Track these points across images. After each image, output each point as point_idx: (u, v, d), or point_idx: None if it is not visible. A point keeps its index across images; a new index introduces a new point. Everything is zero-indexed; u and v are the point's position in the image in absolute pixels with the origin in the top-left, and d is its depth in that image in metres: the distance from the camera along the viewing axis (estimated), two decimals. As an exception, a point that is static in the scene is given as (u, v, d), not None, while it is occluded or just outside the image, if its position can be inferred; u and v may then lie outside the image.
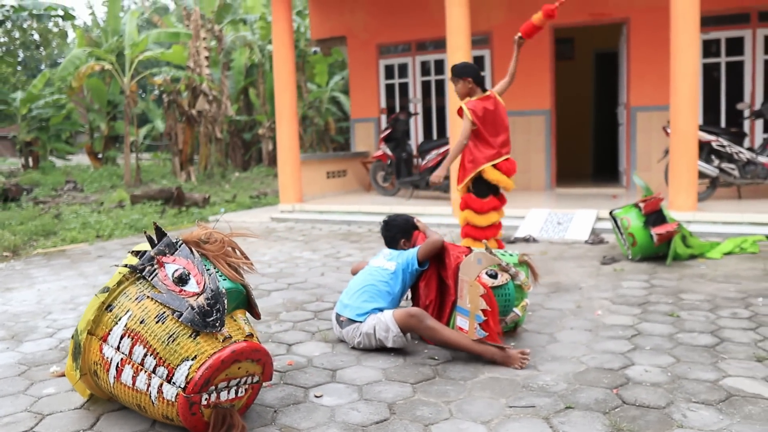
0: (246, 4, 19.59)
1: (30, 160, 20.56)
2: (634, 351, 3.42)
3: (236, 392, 2.61)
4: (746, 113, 8.52)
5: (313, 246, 7.03)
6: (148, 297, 2.67)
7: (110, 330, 2.65)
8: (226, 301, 2.67)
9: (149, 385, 2.51)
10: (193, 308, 2.57)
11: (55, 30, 31.55)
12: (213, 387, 2.49)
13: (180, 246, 2.85)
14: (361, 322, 3.61)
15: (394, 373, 3.22)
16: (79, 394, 2.91)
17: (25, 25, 29.15)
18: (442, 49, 9.88)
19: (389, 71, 11.51)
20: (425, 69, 11.29)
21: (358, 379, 3.16)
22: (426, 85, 11.29)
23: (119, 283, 2.74)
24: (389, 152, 9.64)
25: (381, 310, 3.62)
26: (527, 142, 10.37)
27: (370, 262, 3.97)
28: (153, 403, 2.52)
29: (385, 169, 9.99)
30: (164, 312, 2.62)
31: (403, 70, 11.40)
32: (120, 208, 10.57)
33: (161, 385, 2.49)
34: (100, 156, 21.44)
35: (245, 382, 2.63)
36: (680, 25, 6.93)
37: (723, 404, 2.68)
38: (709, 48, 9.26)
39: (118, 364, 2.61)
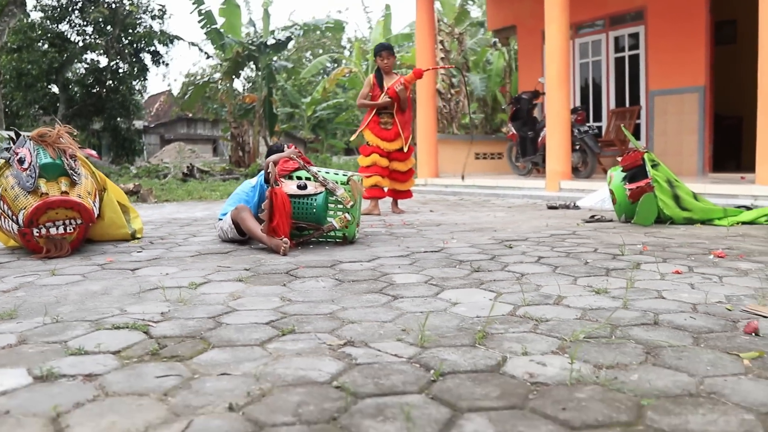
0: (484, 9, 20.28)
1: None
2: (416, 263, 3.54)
3: (64, 229, 3.77)
4: None
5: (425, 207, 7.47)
6: (8, 174, 3.95)
7: (-1, 197, 4.05)
8: (38, 170, 3.81)
9: (9, 226, 3.83)
10: (23, 178, 3.80)
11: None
12: (42, 225, 3.68)
13: (26, 140, 4.05)
14: (221, 219, 4.38)
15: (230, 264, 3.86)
16: (4, 244, 4.27)
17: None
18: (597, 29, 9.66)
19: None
20: (583, 51, 10.96)
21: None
22: (584, 67, 10.97)
23: (1, 168, 4.05)
24: (515, 131, 9.67)
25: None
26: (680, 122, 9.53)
27: None
28: (13, 234, 3.84)
29: (516, 148, 10.02)
30: (13, 182, 3.87)
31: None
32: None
33: (12, 224, 3.80)
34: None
35: (70, 223, 3.78)
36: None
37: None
38: None
39: (1, 216, 3.96)
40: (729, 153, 10.57)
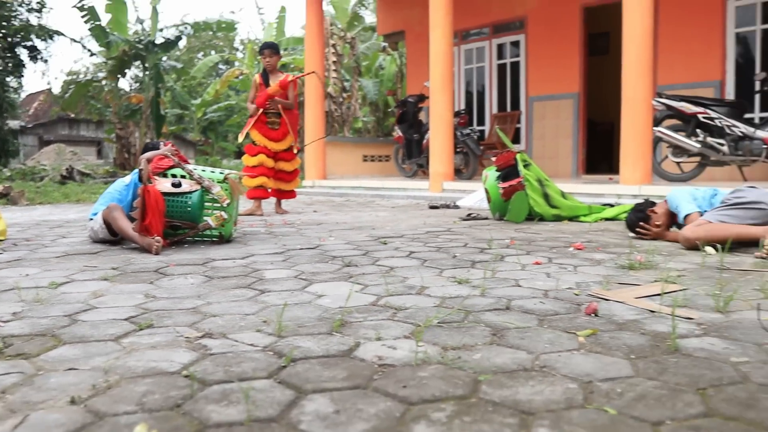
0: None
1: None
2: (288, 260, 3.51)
3: None
4: (757, 86, 7.48)
5: (310, 207, 7.44)
6: None
7: None
8: None
9: None
10: None
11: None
12: None
13: None
14: (92, 219, 4.17)
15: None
16: None
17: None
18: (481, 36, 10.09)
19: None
20: (468, 57, 11.31)
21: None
22: (469, 72, 11.34)
23: None
24: (401, 133, 9.82)
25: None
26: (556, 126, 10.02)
27: None
28: None
29: (402, 150, 10.18)
30: None
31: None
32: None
33: None
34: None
35: None
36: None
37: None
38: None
39: None
40: (603, 156, 11.21)
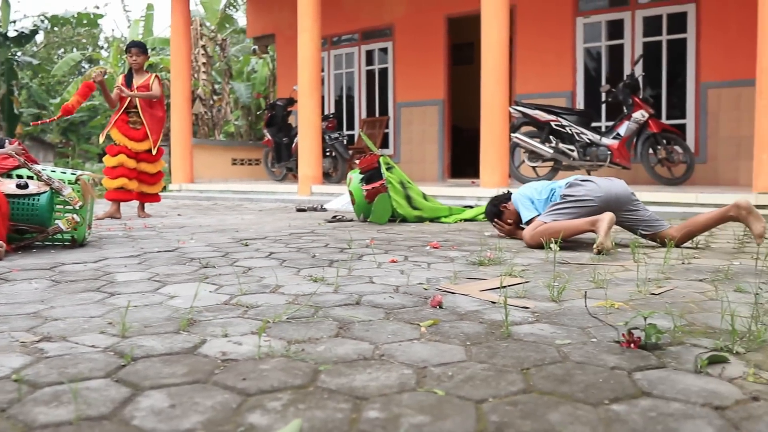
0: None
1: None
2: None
3: None
4: (603, 96, 8.06)
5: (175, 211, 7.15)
6: None
7: None
8: None
9: None
10: None
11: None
12: None
13: None
14: None
15: None
16: None
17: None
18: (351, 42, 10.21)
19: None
20: (337, 62, 11.41)
21: None
22: (339, 78, 11.42)
23: None
24: (270, 137, 9.74)
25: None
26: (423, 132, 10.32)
27: None
28: None
29: (272, 153, 10.11)
30: None
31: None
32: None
33: None
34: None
35: None
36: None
37: None
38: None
39: None
40: (469, 161, 11.65)
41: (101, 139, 6.36)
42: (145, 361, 1.57)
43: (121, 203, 6.09)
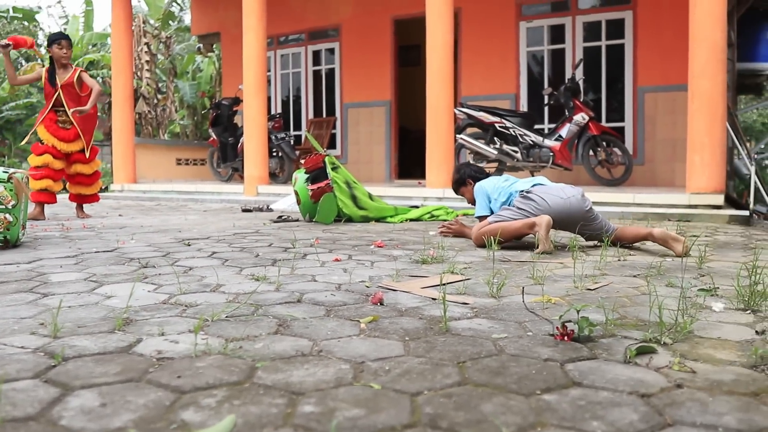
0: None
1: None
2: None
3: None
4: (545, 99, 8.22)
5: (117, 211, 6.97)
6: None
7: None
8: None
9: None
10: None
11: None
12: None
13: None
14: None
15: None
16: None
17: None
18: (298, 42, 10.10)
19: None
20: (284, 62, 11.35)
21: None
22: (285, 78, 11.38)
23: None
24: (215, 136, 9.61)
25: None
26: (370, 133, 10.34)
27: None
28: None
29: (217, 153, 9.97)
30: None
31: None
32: None
33: None
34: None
35: None
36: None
37: None
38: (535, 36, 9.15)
39: None
40: (416, 162, 11.72)
41: (26, 139, 6.11)
42: (76, 361, 1.53)
43: (47, 205, 5.88)
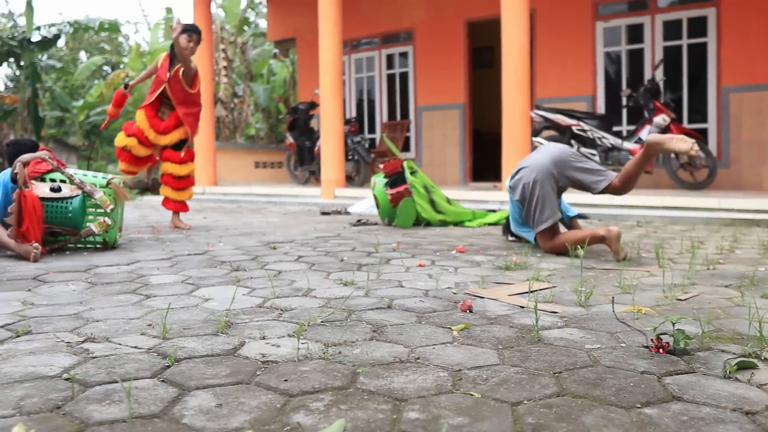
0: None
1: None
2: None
3: None
4: (624, 101, 8.05)
5: (201, 214, 7.31)
6: None
7: None
8: None
9: None
10: None
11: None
12: None
13: None
14: None
15: None
16: None
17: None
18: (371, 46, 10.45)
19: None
20: (358, 66, 11.50)
21: None
22: (360, 81, 11.53)
23: None
24: (292, 140, 9.82)
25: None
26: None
27: None
28: None
29: (294, 157, 10.19)
30: None
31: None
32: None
33: None
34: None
35: None
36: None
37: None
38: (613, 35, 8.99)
39: None
40: (490, 164, 11.67)
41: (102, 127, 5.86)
42: (188, 362, 1.62)
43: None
